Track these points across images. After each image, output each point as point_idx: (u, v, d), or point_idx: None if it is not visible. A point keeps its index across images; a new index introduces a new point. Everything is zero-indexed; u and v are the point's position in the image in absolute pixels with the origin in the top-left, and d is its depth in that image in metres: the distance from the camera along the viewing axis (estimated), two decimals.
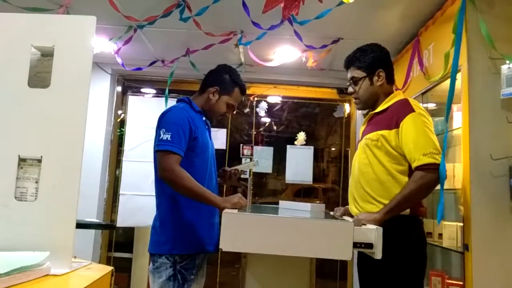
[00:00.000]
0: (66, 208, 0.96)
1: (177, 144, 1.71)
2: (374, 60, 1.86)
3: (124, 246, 3.92)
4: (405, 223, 1.72)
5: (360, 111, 3.29)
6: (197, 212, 1.81)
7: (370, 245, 1.44)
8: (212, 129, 2.07)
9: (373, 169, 1.77)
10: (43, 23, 1.03)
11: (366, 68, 1.86)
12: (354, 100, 1.98)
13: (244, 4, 2.37)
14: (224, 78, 1.95)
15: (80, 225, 1.70)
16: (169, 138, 1.71)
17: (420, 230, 1.78)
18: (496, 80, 1.95)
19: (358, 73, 1.88)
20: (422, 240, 1.77)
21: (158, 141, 1.75)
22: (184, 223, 1.79)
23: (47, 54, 1.03)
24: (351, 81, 1.91)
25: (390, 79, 1.91)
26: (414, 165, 1.67)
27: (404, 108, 1.73)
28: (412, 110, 1.71)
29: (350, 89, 1.95)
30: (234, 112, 2.19)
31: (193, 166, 1.80)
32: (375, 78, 1.86)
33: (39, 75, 1.03)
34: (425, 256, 1.75)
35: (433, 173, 1.63)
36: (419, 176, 1.64)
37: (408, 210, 1.71)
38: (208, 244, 1.82)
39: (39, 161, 0.98)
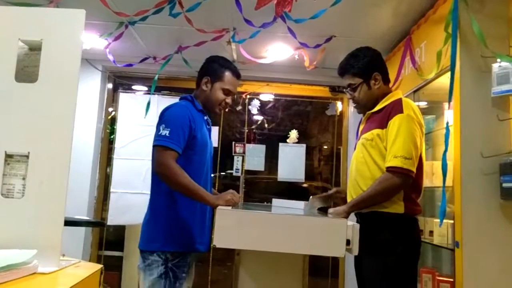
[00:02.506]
0: (54, 205, 0.94)
1: (175, 141, 1.71)
2: (368, 65, 1.87)
3: (115, 244, 3.88)
4: (401, 222, 1.74)
5: (353, 109, 3.30)
6: (191, 211, 1.80)
7: (347, 242, 1.44)
8: None
9: (368, 167, 1.79)
10: (31, 16, 1.01)
11: (362, 74, 1.87)
12: (354, 105, 2.00)
13: (237, 1, 2.35)
14: (212, 66, 1.95)
15: (69, 223, 1.68)
16: (167, 134, 1.71)
17: (416, 230, 1.81)
18: (487, 78, 1.97)
19: (355, 80, 1.88)
20: (418, 240, 1.80)
21: (156, 136, 1.75)
22: (178, 221, 1.77)
23: (34, 48, 1.01)
24: (348, 88, 1.93)
25: (386, 79, 1.93)
26: (385, 165, 1.72)
27: (395, 108, 1.76)
28: (401, 112, 1.73)
29: (349, 95, 1.96)
30: (227, 110, 2.16)
31: (191, 164, 1.79)
32: (372, 81, 1.87)
33: (27, 69, 1.01)
34: (418, 256, 1.78)
35: (399, 177, 1.67)
36: (386, 178, 1.69)
37: (402, 209, 1.73)
38: (199, 243, 1.81)
39: (27, 157, 0.96)
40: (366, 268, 1.79)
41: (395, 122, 1.71)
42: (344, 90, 1.99)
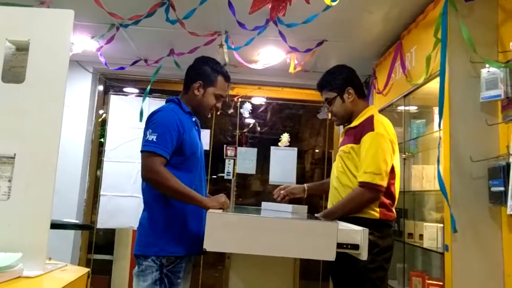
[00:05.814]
0: (40, 207, 0.92)
1: (162, 146, 1.66)
2: (343, 81, 2.03)
3: (105, 248, 3.84)
4: (376, 227, 1.81)
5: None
6: (187, 213, 1.75)
7: (356, 246, 1.45)
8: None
9: (347, 177, 1.93)
10: (18, 17, 0.99)
11: (336, 89, 2.04)
12: (332, 118, 2.17)
13: (229, 4, 2.35)
14: (205, 70, 1.89)
15: (55, 226, 1.65)
16: (154, 139, 1.66)
17: (390, 234, 1.90)
18: (476, 83, 1.99)
19: (330, 94, 2.05)
20: (391, 243, 1.90)
21: (144, 141, 1.70)
22: (175, 224, 1.72)
23: (22, 48, 0.99)
24: (326, 101, 2.09)
25: (361, 94, 2.06)
26: (357, 179, 1.86)
27: (367, 126, 1.90)
28: (372, 129, 1.87)
29: (326, 109, 2.16)
30: (219, 113, 2.15)
31: (184, 169, 1.75)
32: (345, 95, 2.03)
33: (14, 69, 0.99)
34: (390, 258, 1.89)
35: (368, 192, 1.82)
36: (357, 193, 1.84)
37: (378, 214, 1.84)
38: (195, 245, 1.74)
39: (13, 158, 0.94)
40: (341, 269, 1.85)
41: (366, 140, 1.86)
42: (323, 104, 2.12)
